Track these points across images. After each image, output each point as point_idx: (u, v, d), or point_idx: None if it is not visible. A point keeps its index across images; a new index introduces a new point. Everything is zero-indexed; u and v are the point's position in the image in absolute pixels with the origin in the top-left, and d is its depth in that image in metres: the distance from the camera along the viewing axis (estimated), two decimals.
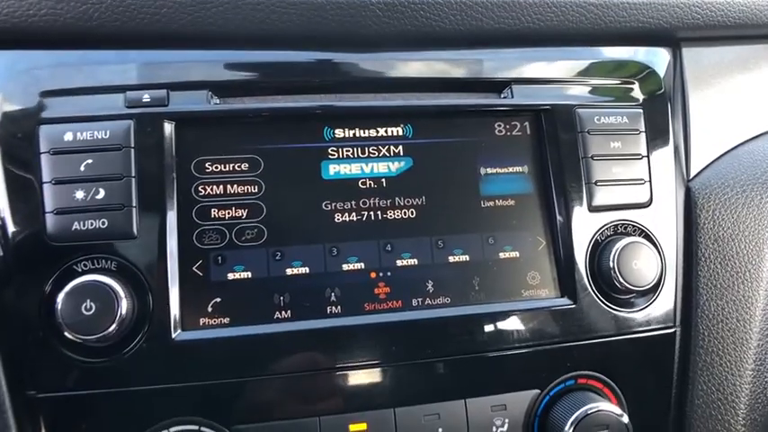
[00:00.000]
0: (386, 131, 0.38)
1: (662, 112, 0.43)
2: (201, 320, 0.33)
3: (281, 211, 0.35)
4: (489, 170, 0.39)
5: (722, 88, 0.48)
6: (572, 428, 0.34)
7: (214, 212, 0.35)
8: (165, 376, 0.32)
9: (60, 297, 0.31)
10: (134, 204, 0.33)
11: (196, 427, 0.32)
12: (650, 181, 0.41)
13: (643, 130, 0.42)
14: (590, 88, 0.41)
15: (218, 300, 0.34)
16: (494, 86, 0.39)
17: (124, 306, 0.31)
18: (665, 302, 0.39)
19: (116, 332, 0.31)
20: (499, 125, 0.39)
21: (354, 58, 0.37)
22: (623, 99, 0.42)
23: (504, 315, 0.36)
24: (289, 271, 0.35)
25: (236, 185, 0.35)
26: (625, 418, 0.35)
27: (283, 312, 0.35)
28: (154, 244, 0.33)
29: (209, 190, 0.35)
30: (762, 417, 0.39)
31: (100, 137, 0.33)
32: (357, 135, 0.37)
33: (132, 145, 0.33)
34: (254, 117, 0.36)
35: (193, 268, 0.34)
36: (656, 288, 0.38)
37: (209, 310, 0.34)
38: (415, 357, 0.35)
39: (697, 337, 0.39)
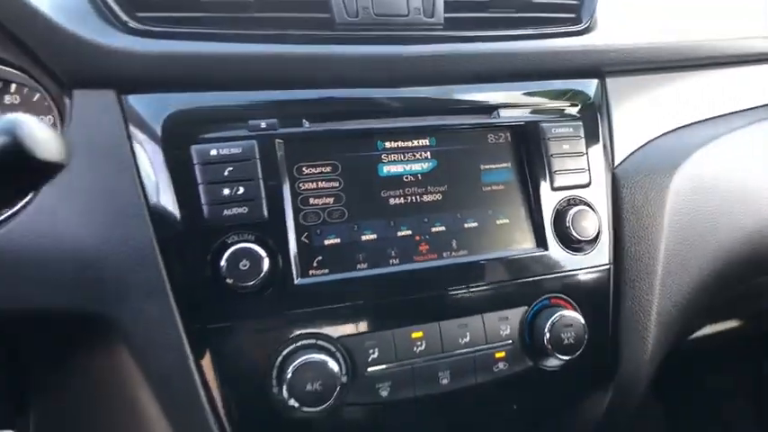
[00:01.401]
0: (418, 142, 0.55)
1: (594, 122, 0.61)
2: (311, 271, 0.49)
3: (355, 198, 0.52)
4: (486, 166, 0.56)
5: (635, 103, 0.66)
6: (549, 327, 0.53)
7: (312, 200, 0.51)
8: (291, 307, 0.48)
9: (224, 258, 0.46)
10: (263, 197, 0.48)
11: (314, 341, 0.49)
12: (589, 170, 0.58)
13: (582, 136, 0.59)
14: (547, 109, 0.59)
15: (320, 258, 0.50)
16: (487, 110, 0.56)
17: (265, 263, 0.47)
18: (603, 249, 0.58)
19: (260, 280, 0.47)
20: (491, 136, 0.57)
21: (396, 93, 0.54)
22: (569, 115, 0.60)
23: (502, 260, 0.54)
24: (363, 237, 0.51)
25: (324, 182, 0.51)
26: (582, 320, 0.54)
27: (361, 264, 0.51)
28: (278, 223, 0.48)
29: (306, 185, 0.51)
30: (665, 318, 0.59)
31: (235, 152, 0.48)
32: (399, 146, 0.54)
33: (257, 157, 0.49)
34: (334, 135, 0.52)
35: (302, 238, 0.50)
36: (596, 239, 0.57)
37: (315, 264, 0.50)
38: (449, 288, 0.52)
39: (623, 269, 0.58)
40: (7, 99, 0.53)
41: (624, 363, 0.59)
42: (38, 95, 0.54)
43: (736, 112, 0.70)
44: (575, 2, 0.61)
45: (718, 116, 0.69)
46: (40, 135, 0.27)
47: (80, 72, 0.48)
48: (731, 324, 0.84)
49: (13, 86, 0.53)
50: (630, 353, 0.59)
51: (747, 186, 0.64)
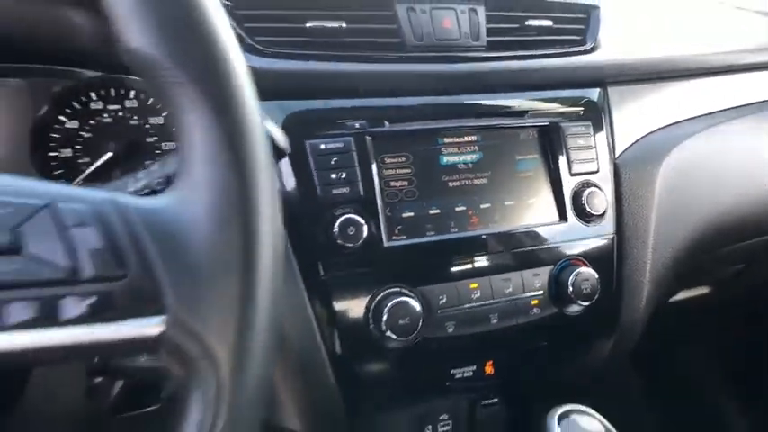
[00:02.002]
0: (468, 138, 0.69)
1: (599, 122, 0.75)
2: (394, 237, 0.64)
3: (423, 182, 0.66)
4: (520, 157, 0.72)
5: (631, 106, 0.80)
6: (571, 281, 0.68)
7: (392, 183, 0.65)
8: (382, 263, 0.63)
9: (336, 225, 0.60)
10: (359, 180, 0.63)
11: (398, 289, 0.63)
12: (597, 160, 0.73)
13: (591, 133, 0.74)
14: (564, 113, 0.75)
15: (400, 227, 0.64)
16: (519, 114, 0.71)
17: (364, 229, 0.61)
18: (608, 221, 0.73)
19: (361, 242, 0.61)
20: (523, 133, 0.72)
21: (451, 100, 0.68)
22: (580, 116, 0.75)
23: (534, 230, 0.69)
24: (430, 212, 0.66)
25: (400, 169, 0.66)
26: (596, 275, 0.69)
27: (429, 232, 0.66)
28: (370, 200, 0.63)
29: (388, 172, 0.65)
30: (656, 276, 0.75)
31: (338, 146, 0.63)
32: (454, 141, 0.69)
33: (353, 150, 0.63)
34: (407, 133, 0.67)
35: (386, 212, 0.64)
36: (603, 214, 0.72)
37: (396, 232, 0.64)
38: (494, 251, 0.67)
39: (623, 237, 0.73)
40: (155, 120, 0.67)
41: (624, 311, 0.74)
42: None
43: (718, 111, 0.86)
44: (581, 27, 0.77)
45: (702, 115, 0.85)
46: (276, 131, 0.41)
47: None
48: (702, 290, 1.02)
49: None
50: (630, 303, 0.74)
51: (724, 170, 0.81)
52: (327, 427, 0.68)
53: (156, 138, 0.67)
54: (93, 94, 0.65)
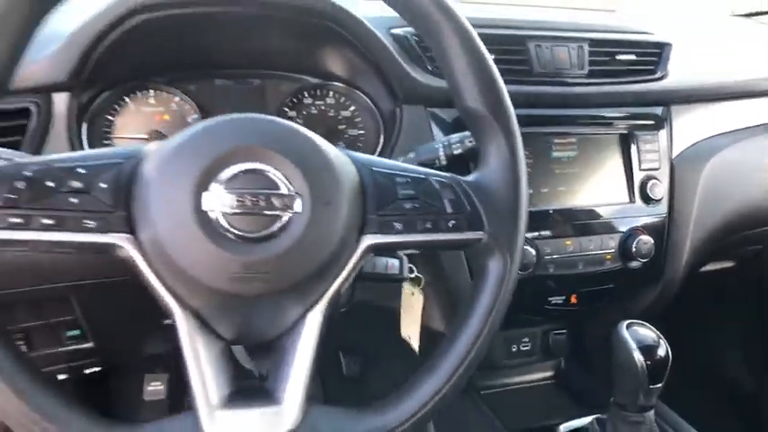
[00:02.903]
0: (570, 140, 0.96)
1: (663, 131, 1.00)
2: None
3: (539, 169, 0.93)
4: (605, 155, 0.99)
5: (687, 119, 1.00)
6: (634, 244, 0.96)
7: None
8: None
9: None
10: None
11: None
12: (659, 159, 0.95)
13: (657, 140, 0.95)
14: (638, 124, 1.02)
15: None
16: (607, 123, 0.94)
17: None
18: (663, 205, 0.94)
19: None
20: (608, 137, 1.00)
21: (562, 112, 0.93)
22: (649, 127, 1.00)
23: (611, 207, 0.96)
24: (542, 189, 0.93)
25: (526, 159, 0.94)
26: (651, 241, 0.96)
27: (541, 204, 0.95)
28: None
29: None
30: (695, 246, 1.03)
31: None
32: (561, 141, 0.95)
33: None
34: (530, 134, 0.94)
35: None
36: (661, 200, 0.98)
37: None
38: (584, 220, 0.94)
39: (672, 217, 0.94)
40: (345, 113, 0.91)
41: (668, 269, 0.96)
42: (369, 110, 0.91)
43: (754, 126, 1.06)
44: (656, 59, 1.03)
45: (741, 128, 1.05)
46: None
47: (409, 94, 0.88)
48: (728, 264, 1.29)
49: (350, 104, 0.92)
50: (672, 264, 0.97)
51: (754, 172, 1.05)
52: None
53: (344, 126, 0.90)
54: (306, 93, 0.90)
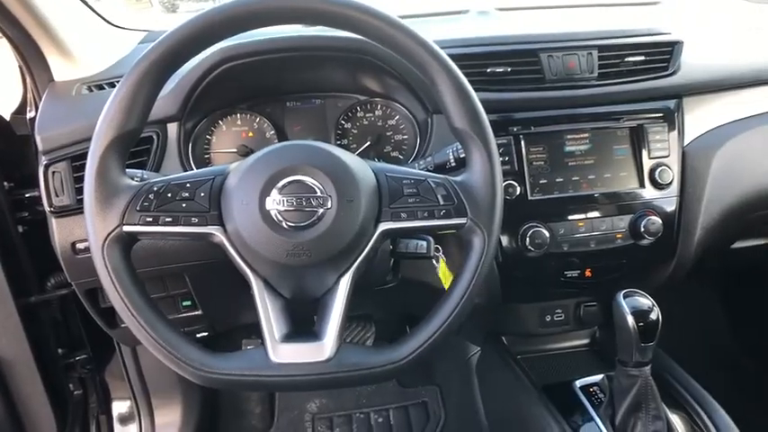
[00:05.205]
0: (583, 135, 1.10)
1: (673, 123, 1.03)
2: (534, 194, 1.06)
3: (554, 162, 1.08)
4: (615, 147, 1.10)
5: (698, 109, 1.08)
6: (644, 223, 1.09)
7: (534, 162, 1.06)
8: (527, 209, 1.03)
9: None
10: (515, 161, 1.07)
11: (536, 223, 1.09)
12: (669, 148, 1.02)
13: (666, 130, 1.02)
14: (649, 117, 1.09)
15: (537, 188, 1.07)
16: (617, 118, 1.02)
17: (518, 189, 1.06)
18: (674, 188, 1.01)
19: (517, 196, 1.07)
20: (619, 131, 1.12)
21: (574, 111, 1.10)
22: (659, 119, 1.10)
23: (623, 192, 1.08)
24: (557, 179, 1.08)
25: (539, 154, 1.09)
26: (660, 222, 1.08)
27: (556, 191, 1.09)
28: (522, 173, 1.07)
29: (532, 156, 1.06)
30: (707, 225, 1.13)
31: (504, 141, 1.05)
32: (573, 137, 1.10)
33: (512, 143, 1.06)
34: (544, 132, 1.09)
35: (530, 179, 1.09)
36: (670, 183, 1.04)
37: (536, 191, 1.07)
38: (597, 203, 1.08)
39: (683, 200, 1.02)
40: (391, 122, 1.09)
41: (681, 247, 1.05)
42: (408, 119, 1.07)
43: (764, 113, 1.11)
44: (667, 57, 1.14)
45: (752, 116, 1.11)
46: None
47: (436, 106, 1.06)
48: (759, 241, 1.36)
49: (394, 114, 1.07)
50: (685, 242, 1.05)
51: (763, 158, 1.16)
52: (488, 307, 1.16)
53: (390, 132, 1.05)
54: (358, 108, 1.06)
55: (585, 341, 1.34)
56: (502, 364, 1.25)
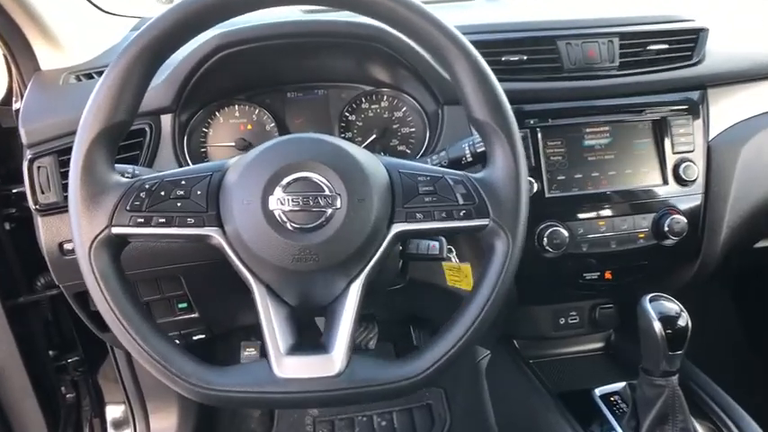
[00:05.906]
0: (602, 128, 1.03)
1: (698, 115, 0.99)
2: (551, 191, 1.01)
3: (572, 157, 1.02)
4: (636, 141, 1.05)
5: (724, 101, 1.03)
6: (668, 222, 1.03)
7: (551, 158, 1.01)
8: (545, 206, 0.97)
9: None
10: (532, 155, 1.01)
11: (555, 222, 1.03)
12: (693, 142, 0.98)
13: (691, 123, 0.97)
14: (672, 110, 1.04)
15: (555, 185, 1.01)
16: (639, 110, 0.98)
17: (535, 186, 1.00)
18: (699, 185, 0.97)
19: (533, 194, 1.01)
20: (640, 124, 1.06)
21: (593, 103, 1.01)
22: (684, 111, 1.05)
23: (645, 189, 1.02)
24: (575, 176, 1.03)
25: (557, 149, 1.03)
26: (685, 220, 1.02)
27: (574, 188, 1.02)
28: (538, 167, 1.01)
29: (550, 150, 1.01)
30: (733, 224, 1.07)
31: (523, 135, 1.02)
32: (593, 130, 1.03)
33: (530, 137, 1.00)
34: (562, 125, 1.03)
35: (547, 175, 1.02)
36: (695, 180, 1.00)
37: (554, 187, 1.01)
38: (618, 201, 1.02)
39: (709, 197, 0.98)
40: (398, 113, 1.02)
41: (705, 246, 1.01)
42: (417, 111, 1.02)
43: None
44: (691, 45, 1.08)
45: None
46: None
47: (448, 96, 0.91)
48: None
49: (402, 106, 1.03)
50: (710, 241, 1.01)
51: None
52: (502, 310, 1.10)
53: (397, 125, 1.00)
54: (363, 99, 1.01)
55: (600, 345, 1.28)
56: (514, 369, 1.19)
